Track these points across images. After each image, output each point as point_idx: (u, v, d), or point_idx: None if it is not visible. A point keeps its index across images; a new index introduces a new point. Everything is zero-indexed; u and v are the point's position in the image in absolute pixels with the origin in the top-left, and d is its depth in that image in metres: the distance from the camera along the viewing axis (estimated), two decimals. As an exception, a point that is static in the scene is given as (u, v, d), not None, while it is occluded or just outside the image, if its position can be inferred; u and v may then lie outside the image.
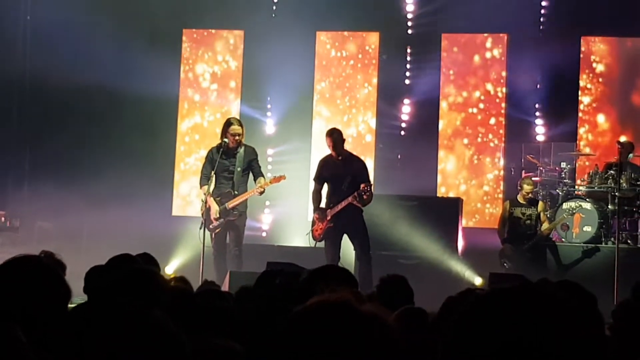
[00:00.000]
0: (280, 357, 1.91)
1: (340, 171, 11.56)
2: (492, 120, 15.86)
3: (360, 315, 1.93)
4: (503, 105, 15.83)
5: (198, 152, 15.89)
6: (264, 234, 15.82)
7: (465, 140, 15.92)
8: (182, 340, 2.67)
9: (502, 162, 15.66)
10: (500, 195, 15.55)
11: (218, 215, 11.70)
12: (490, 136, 15.84)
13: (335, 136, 11.64)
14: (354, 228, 11.50)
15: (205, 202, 11.72)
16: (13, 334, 2.36)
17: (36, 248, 10.99)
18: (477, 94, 15.94)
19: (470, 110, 15.95)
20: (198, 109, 16.63)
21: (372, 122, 16.21)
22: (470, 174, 15.84)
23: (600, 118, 15.45)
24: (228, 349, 3.16)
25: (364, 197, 11.25)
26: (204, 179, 11.89)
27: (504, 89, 15.85)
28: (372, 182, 11.72)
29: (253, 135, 14.03)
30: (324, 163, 11.84)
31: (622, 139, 14.25)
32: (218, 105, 16.56)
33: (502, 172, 15.68)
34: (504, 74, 15.87)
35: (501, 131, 15.79)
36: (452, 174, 15.91)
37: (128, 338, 2.51)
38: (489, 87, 15.92)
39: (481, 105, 15.91)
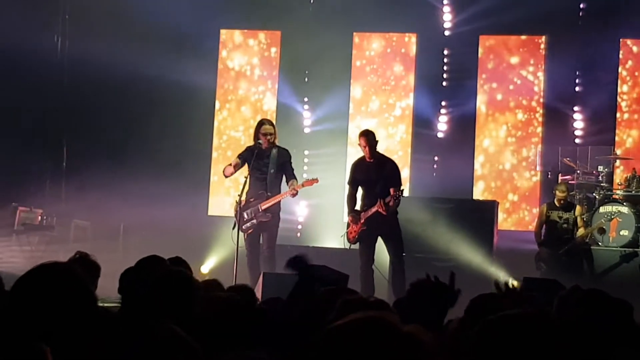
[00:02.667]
0: None
1: (372, 174, 11.49)
2: (529, 123, 15.78)
3: (399, 335, 1.93)
4: (540, 108, 15.74)
5: (232, 152, 15.94)
6: (298, 234, 15.83)
7: (502, 143, 15.84)
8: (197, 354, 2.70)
9: (538, 165, 15.56)
10: (537, 198, 15.46)
11: (251, 217, 11.71)
12: (527, 139, 15.75)
13: (369, 137, 11.57)
14: (388, 231, 11.45)
15: (239, 202, 11.74)
16: (43, 355, 2.36)
17: (72, 247, 11.12)
18: (514, 96, 15.85)
19: (507, 112, 15.86)
20: (235, 109, 16.67)
21: (409, 125, 16.17)
22: (506, 177, 15.76)
23: (637, 122, 15.33)
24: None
25: (390, 204, 11.19)
26: (229, 167, 11.90)
27: (541, 92, 15.75)
28: (402, 185, 11.63)
29: (289, 135, 14.04)
30: (356, 166, 11.78)
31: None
32: (254, 105, 16.59)
33: (539, 175, 15.59)
34: (541, 76, 15.77)
35: (538, 133, 15.69)
36: (488, 177, 15.84)
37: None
38: (526, 90, 15.82)
39: (518, 109, 15.82)
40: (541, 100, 15.75)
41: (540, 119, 15.72)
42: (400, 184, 11.47)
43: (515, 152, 15.78)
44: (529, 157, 15.72)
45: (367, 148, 11.50)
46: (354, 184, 11.77)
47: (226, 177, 12.36)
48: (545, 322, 1.88)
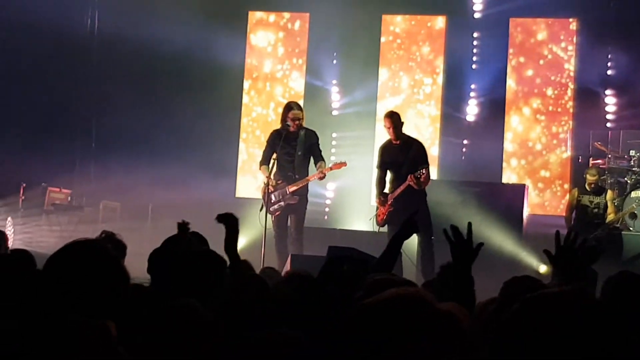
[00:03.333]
0: (354, 346, 1.88)
1: (399, 156, 11.45)
2: (560, 107, 15.67)
3: (436, 311, 1.90)
4: (570, 91, 15.62)
5: (262, 133, 15.92)
6: (325, 217, 15.81)
7: (532, 126, 15.74)
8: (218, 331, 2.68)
9: (569, 149, 15.47)
10: (567, 183, 15.37)
11: (277, 194, 11.71)
12: (558, 123, 15.64)
13: (394, 118, 11.52)
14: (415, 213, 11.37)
15: (267, 184, 11.73)
16: (108, 332, 2.33)
17: (101, 227, 11.12)
18: (544, 79, 15.73)
19: (537, 96, 15.75)
20: (263, 90, 16.66)
21: (438, 107, 16.10)
22: (536, 160, 15.66)
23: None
24: (291, 337, 3.13)
25: (421, 179, 11.14)
26: (264, 160, 11.92)
27: (572, 75, 15.63)
28: (429, 164, 11.55)
29: (317, 117, 14.01)
30: (384, 150, 11.73)
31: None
32: (283, 86, 16.57)
33: (569, 159, 15.49)
34: (572, 59, 15.65)
35: (569, 117, 15.59)
36: (518, 160, 15.75)
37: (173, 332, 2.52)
38: (557, 73, 15.70)
39: (549, 92, 15.71)
40: (572, 83, 15.62)
41: (571, 103, 15.61)
42: (427, 162, 11.41)
43: (546, 137, 15.67)
44: (560, 142, 15.61)
45: (391, 129, 11.46)
46: (382, 167, 11.73)
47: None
48: (587, 300, 1.83)
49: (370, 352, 1.82)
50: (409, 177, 11.15)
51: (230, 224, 4.73)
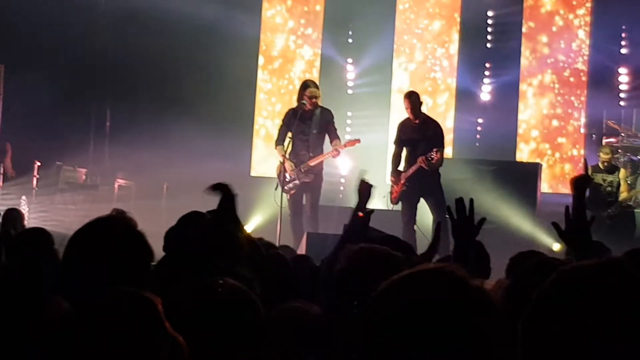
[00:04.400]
0: (378, 324, 1.81)
1: (416, 135, 11.49)
2: (573, 86, 15.63)
3: (468, 286, 1.84)
4: (585, 69, 15.57)
5: (277, 110, 15.92)
6: (340, 195, 15.82)
7: (546, 105, 15.72)
8: (255, 305, 2.70)
9: (583, 127, 15.44)
10: (581, 161, 15.34)
11: (292, 173, 11.74)
12: (571, 102, 15.61)
13: (412, 99, 11.56)
14: (429, 191, 11.42)
15: (283, 163, 11.76)
16: (155, 309, 2.34)
17: (115, 206, 11.18)
18: (559, 57, 15.69)
19: (551, 74, 15.72)
20: (278, 66, 16.64)
21: (452, 84, 16.07)
22: (550, 139, 15.64)
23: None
24: (307, 312, 3.17)
25: (432, 161, 11.18)
26: (280, 140, 11.94)
27: (586, 52, 15.58)
28: (445, 146, 11.58)
29: (332, 96, 14.00)
30: (402, 127, 11.78)
31: None
32: (298, 63, 16.55)
33: (583, 138, 15.47)
34: (586, 37, 15.59)
35: (583, 97, 15.55)
36: (532, 139, 15.73)
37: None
38: (572, 50, 15.66)
39: (563, 70, 15.67)
40: (586, 61, 15.57)
41: (584, 80, 15.56)
42: (443, 145, 11.46)
43: (558, 114, 15.64)
44: (574, 120, 15.58)
45: (409, 109, 11.51)
46: (399, 143, 11.77)
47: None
48: (624, 272, 1.79)
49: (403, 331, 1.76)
50: (419, 159, 11.19)
51: (226, 190, 4.74)
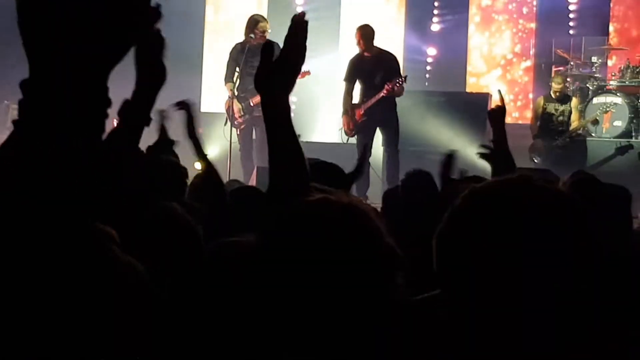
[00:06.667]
0: (285, 256, 1.88)
1: (371, 67, 11.42)
2: (523, 14, 15.63)
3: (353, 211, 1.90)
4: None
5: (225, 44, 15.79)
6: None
7: (495, 35, 15.72)
8: (197, 233, 2.67)
9: (532, 56, 15.48)
10: (531, 91, 15.41)
11: (242, 113, 11.69)
12: (521, 30, 15.63)
13: (363, 31, 11.48)
14: (387, 122, 11.39)
15: (230, 99, 11.69)
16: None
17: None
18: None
19: (501, 6, 15.70)
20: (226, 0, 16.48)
21: (402, 16, 16.00)
22: (499, 69, 15.68)
23: (632, 11, 15.17)
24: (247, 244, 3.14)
25: (396, 88, 11.16)
26: (228, 77, 11.84)
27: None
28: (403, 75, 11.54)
29: (280, 27, 13.87)
30: (354, 62, 11.65)
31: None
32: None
33: (532, 67, 15.52)
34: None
35: (532, 25, 15.57)
36: (481, 70, 15.76)
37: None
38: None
39: (512, 2, 15.66)
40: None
41: (533, 11, 15.56)
42: (400, 73, 11.41)
43: (508, 44, 15.67)
44: (523, 49, 15.62)
45: (361, 41, 11.41)
46: (351, 79, 11.65)
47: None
48: (532, 185, 1.81)
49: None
50: (386, 85, 11.13)
51: (189, 109, 4.74)
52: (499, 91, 5.28)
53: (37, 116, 1.39)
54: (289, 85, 2.44)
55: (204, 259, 2.66)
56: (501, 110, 4.63)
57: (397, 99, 11.52)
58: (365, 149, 6.21)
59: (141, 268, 1.91)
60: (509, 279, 1.70)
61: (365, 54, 11.48)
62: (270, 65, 2.38)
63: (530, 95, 15.36)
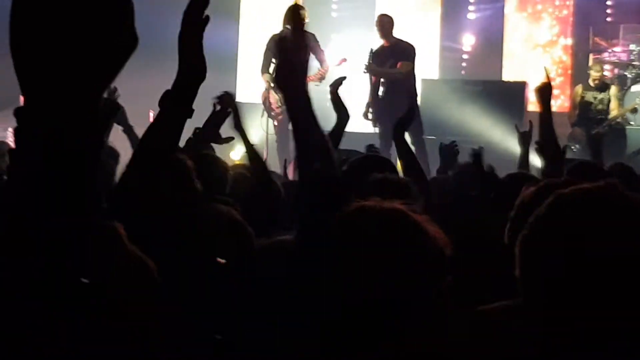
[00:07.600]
0: (327, 258, 1.88)
1: (385, 57, 11.40)
2: (559, 3, 15.51)
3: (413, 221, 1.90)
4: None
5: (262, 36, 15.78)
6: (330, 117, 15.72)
7: (532, 23, 15.62)
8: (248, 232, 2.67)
9: (570, 45, 15.36)
10: (568, 79, 15.29)
11: (279, 104, 11.66)
12: (558, 18, 15.51)
13: (382, 20, 11.54)
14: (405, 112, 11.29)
15: (267, 90, 11.68)
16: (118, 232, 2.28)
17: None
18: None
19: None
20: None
21: (437, 5, 15.93)
22: (536, 58, 15.56)
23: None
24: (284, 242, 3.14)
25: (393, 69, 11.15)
26: (265, 68, 11.81)
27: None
28: (414, 64, 11.44)
29: (316, 19, 13.86)
30: (374, 53, 11.63)
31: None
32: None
33: (570, 56, 15.40)
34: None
35: (569, 14, 15.45)
36: (518, 58, 15.65)
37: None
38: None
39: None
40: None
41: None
42: (409, 60, 11.32)
43: (545, 32, 15.56)
44: (560, 37, 15.50)
45: (381, 32, 11.44)
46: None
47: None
48: (618, 194, 1.79)
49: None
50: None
51: (233, 101, 4.78)
52: (545, 68, 5.26)
53: (33, 146, 1.36)
54: (301, 81, 2.39)
55: (255, 256, 2.67)
56: (547, 87, 4.60)
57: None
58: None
59: (151, 263, 1.91)
60: (616, 290, 1.68)
61: (384, 44, 11.49)
62: (287, 62, 2.39)
63: (567, 84, 15.24)
